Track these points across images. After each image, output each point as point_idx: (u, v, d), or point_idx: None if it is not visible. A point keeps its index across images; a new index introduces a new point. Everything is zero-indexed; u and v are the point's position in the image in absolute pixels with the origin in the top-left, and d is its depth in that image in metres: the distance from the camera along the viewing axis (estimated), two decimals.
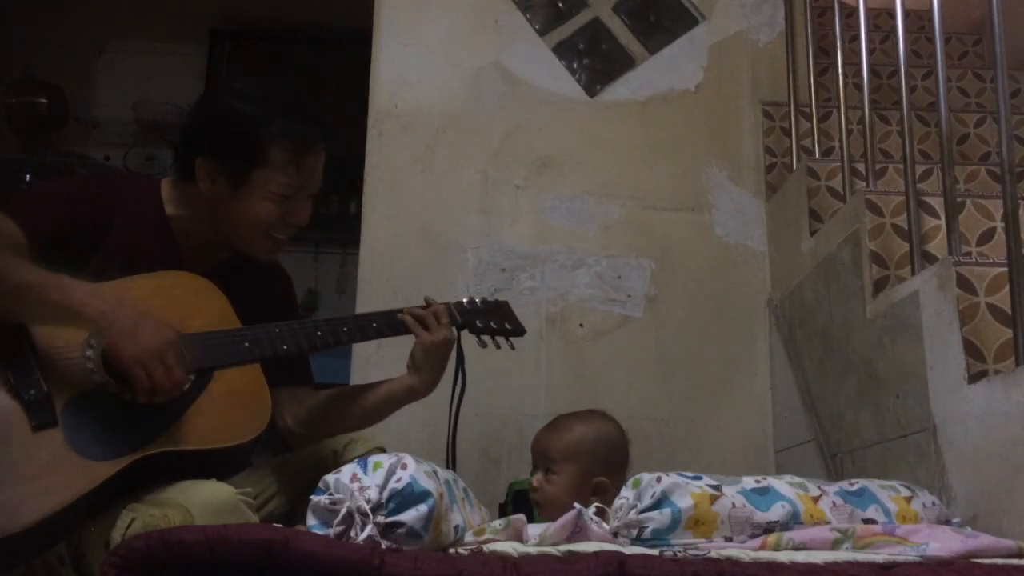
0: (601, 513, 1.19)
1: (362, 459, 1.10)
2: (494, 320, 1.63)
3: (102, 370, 1.26)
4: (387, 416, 1.56)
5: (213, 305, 1.38)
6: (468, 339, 1.63)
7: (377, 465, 1.08)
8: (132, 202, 1.44)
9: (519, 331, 1.66)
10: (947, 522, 1.24)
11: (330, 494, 1.07)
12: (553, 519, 1.25)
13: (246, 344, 1.37)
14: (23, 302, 1.21)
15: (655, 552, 1.03)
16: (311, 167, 1.47)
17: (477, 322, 1.61)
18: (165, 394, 1.24)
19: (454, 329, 1.58)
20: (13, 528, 1.09)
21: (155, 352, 1.22)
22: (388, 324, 1.53)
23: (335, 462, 1.42)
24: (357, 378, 2.21)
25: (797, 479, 1.23)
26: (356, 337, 1.51)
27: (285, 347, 1.41)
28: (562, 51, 2.51)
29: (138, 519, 1.14)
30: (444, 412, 1.66)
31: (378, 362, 2.18)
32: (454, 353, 1.59)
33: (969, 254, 1.62)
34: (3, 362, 1.21)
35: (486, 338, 1.62)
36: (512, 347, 1.66)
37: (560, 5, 2.55)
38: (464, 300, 1.63)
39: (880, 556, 1.01)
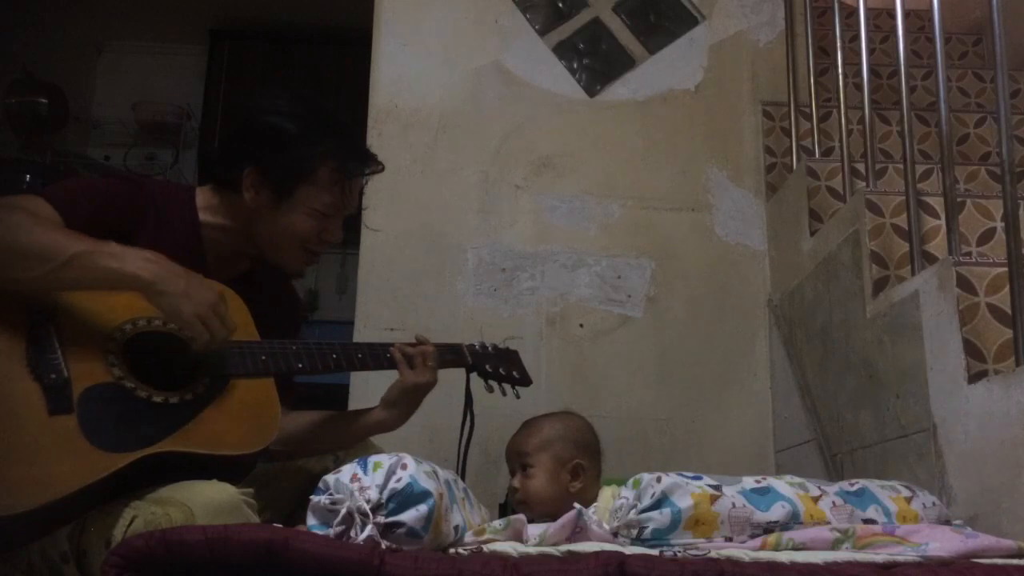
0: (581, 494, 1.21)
1: (362, 459, 1.10)
2: (503, 367, 1.67)
3: (123, 363, 1.27)
4: (356, 444, 1.58)
5: (236, 316, 1.39)
6: (476, 382, 1.66)
7: (377, 465, 1.08)
8: (165, 207, 1.46)
9: (526, 382, 1.70)
10: (947, 522, 1.24)
11: (330, 494, 1.06)
12: (539, 516, 1.25)
13: (263, 357, 1.39)
14: (79, 270, 1.23)
15: (655, 552, 1.03)
16: (353, 190, 1.52)
17: (487, 367, 1.65)
18: (222, 341, 1.31)
19: (466, 373, 1.63)
20: (17, 509, 1.10)
21: (210, 306, 1.28)
22: (387, 359, 1.55)
23: (337, 466, 1.43)
24: (356, 381, 2.21)
25: (797, 479, 1.23)
26: (369, 365, 1.53)
27: (300, 365, 1.44)
28: (562, 51, 2.51)
29: (139, 517, 1.14)
30: (444, 417, 1.67)
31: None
32: (450, 379, 1.62)
33: (969, 254, 1.62)
34: (27, 344, 1.22)
35: (493, 383, 1.66)
36: (517, 396, 1.69)
37: (560, 5, 2.55)
38: (476, 344, 1.67)
39: (880, 556, 1.01)
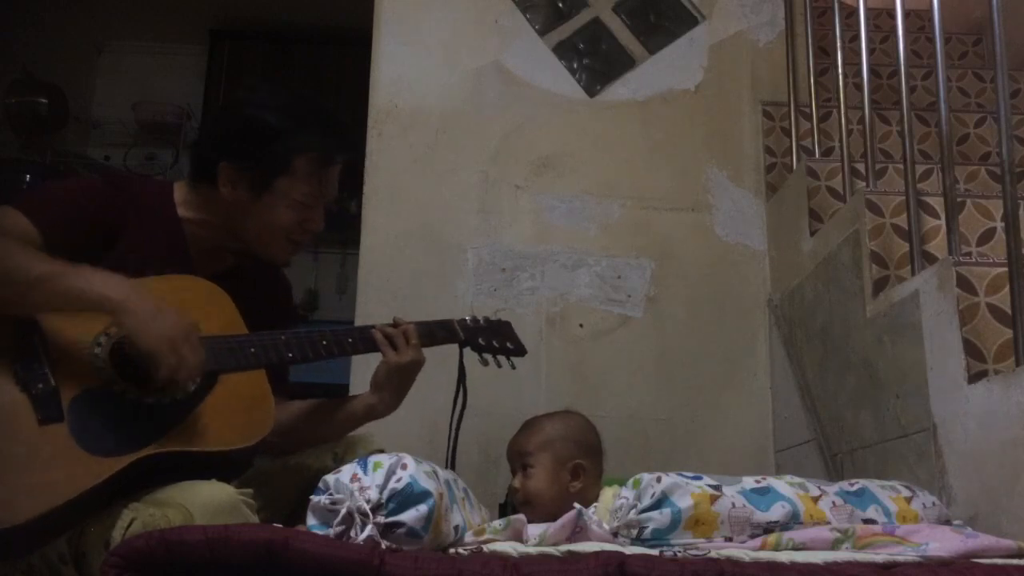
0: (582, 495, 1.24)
1: (362, 459, 1.11)
2: (496, 339, 1.66)
3: (110, 367, 1.27)
4: (350, 431, 1.57)
5: (222, 310, 1.39)
6: (470, 356, 1.65)
7: (377, 465, 1.08)
8: (145, 205, 1.45)
9: (520, 351, 1.68)
10: (947, 522, 1.24)
11: (330, 494, 1.07)
12: (540, 516, 1.25)
13: (252, 350, 1.38)
14: (45, 291, 1.22)
15: (655, 552, 1.03)
16: (332, 178, 1.51)
17: (480, 340, 1.63)
18: (188, 376, 1.25)
19: (459, 348, 1.61)
20: (15, 520, 1.10)
21: (180, 333, 1.23)
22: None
23: (336, 464, 1.43)
24: (355, 381, 2.21)
25: (797, 479, 1.23)
26: (360, 349, 1.53)
27: (291, 355, 1.43)
28: (562, 51, 2.51)
29: (138, 519, 1.14)
30: (444, 414, 1.67)
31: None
32: (440, 359, 1.59)
33: (969, 254, 1.62)
34: (13, 355, 1.22)
35: (487, 356, 1.64)
36: (513, 367, 1.68)
37: (560, 5, 2.55)
38: (467, 318, 1.65)
39: (880, 556, 1.01)
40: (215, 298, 1.41)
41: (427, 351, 1.56)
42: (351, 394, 2.17)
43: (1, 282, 1.21)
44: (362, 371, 2.20)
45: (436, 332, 1.59)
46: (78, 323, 1.28)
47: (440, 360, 1.62)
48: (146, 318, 1.22)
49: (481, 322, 1.66)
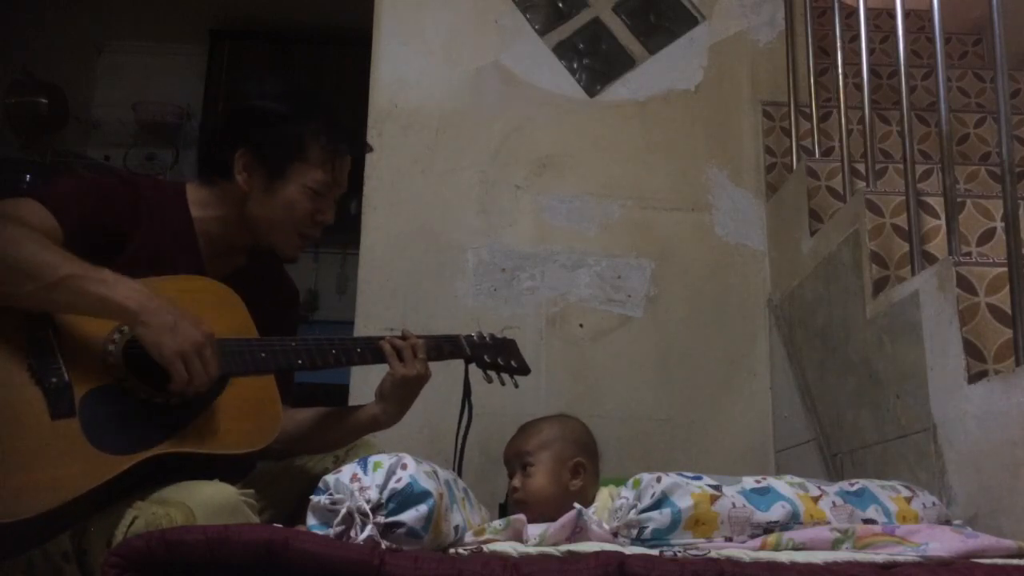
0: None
1: (362, 459, 1.11)
2: (501, 357, 1.66)
3: (122, 365, 1.27)
4: (352, 441, 1.57)
5: (233, 312, 1.39)
6: (473, 371, 1.65)
7: (377, 465, 1.08)
8: (158, 205, 1.46)
9: (524, 370, 1.69)
10: (947, 522, 1.24)
11: (330, 494, 1.07)
12: (539, 516, 1.25)
13: (263, 354, 1.39)
14: (67, 292, 1.22)
15: (655, 552, 1.03)
16: (343, 169, 1.53)
17: (485, 357, 1.64)
18: (199, 388, 1.25)
19: (465, 364, 1.62)
20: (24, 514, 1.10)
21: (195, 346, 1.23)
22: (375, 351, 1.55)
23: (337, 466, 1.43)
24: (356, 381, 2.21)
25: (797, 479, 1.23)
26: (368, 359, 1.53)
27: (300, 361, 1.43)
28: (562, 51, 2.51)
29: (140, 517, 1.14)
30: (445, 416, 1.67)
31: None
32: (445, 373, 1.60)
33: (969, 254, 1.62)
34: (27, 349, 1.22)
35: (492, 373, 1.65)
36: (516, 385, 1.68)
37: (560, 5, 2.55)
38: (474, 334, 1.66)
39: (880, 556, 1.01)
40: (227, 300, 1.42)
41: None
42: (351, 398, 2.18)
43: (27, 275, 1.21)
44: (362, 372, 2.20)
45: (443, 347, 1.60)
46: (92, 319, 1.28)
47: (445, 364, 1.62)
48: (161, 331, 1.22)
49: (487, 339, 1.66)
